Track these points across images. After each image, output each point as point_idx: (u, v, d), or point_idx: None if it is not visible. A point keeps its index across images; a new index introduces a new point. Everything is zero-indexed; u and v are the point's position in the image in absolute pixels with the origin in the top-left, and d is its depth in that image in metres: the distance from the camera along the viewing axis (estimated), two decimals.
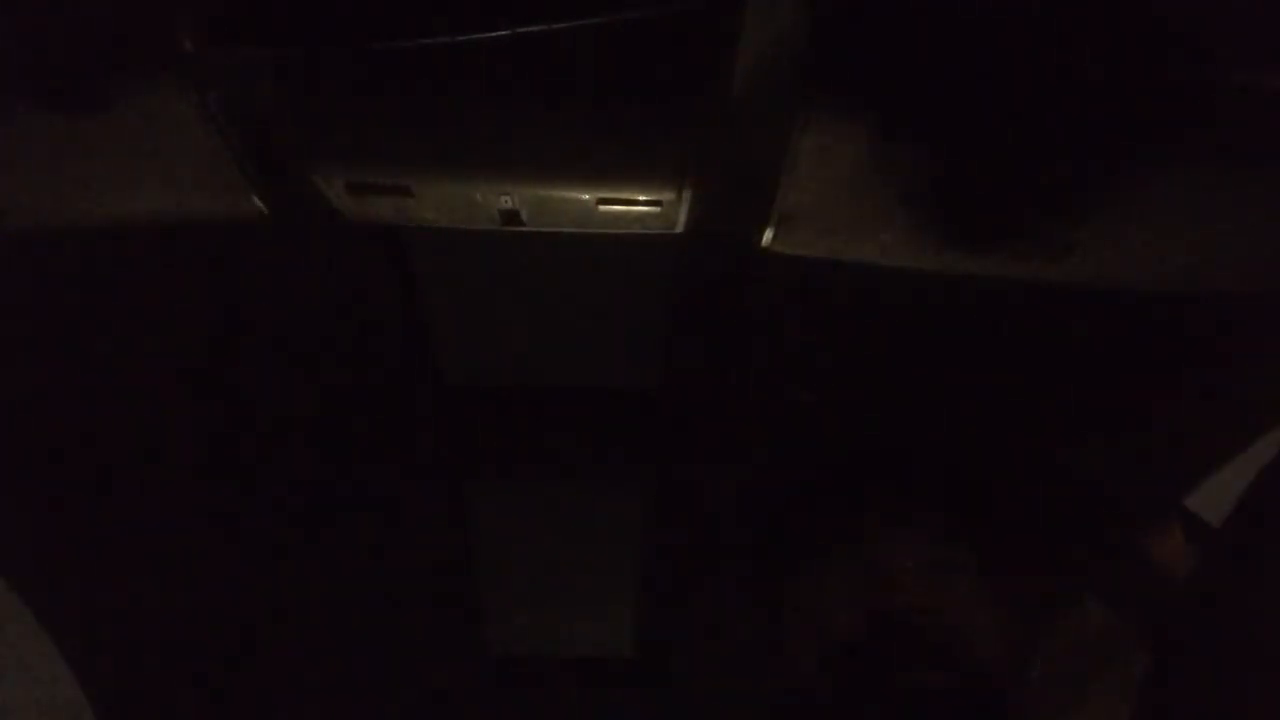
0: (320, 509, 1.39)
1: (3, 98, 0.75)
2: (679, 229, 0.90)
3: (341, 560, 1.47)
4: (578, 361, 1.25)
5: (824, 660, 1.14)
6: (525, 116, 0.77)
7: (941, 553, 1.19)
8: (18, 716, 1.60)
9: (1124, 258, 0.93)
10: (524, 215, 0.87)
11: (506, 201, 0.85)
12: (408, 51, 0.69)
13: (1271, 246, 0.90)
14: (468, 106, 0.76)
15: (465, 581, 1.50)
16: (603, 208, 0.85)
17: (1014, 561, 1.26)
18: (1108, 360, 1.20)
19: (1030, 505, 1.34)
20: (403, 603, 1.53)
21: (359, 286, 1.11)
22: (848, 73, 0.76)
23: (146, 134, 0.79)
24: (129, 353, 1.19)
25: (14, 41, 0.71)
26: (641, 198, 0.85)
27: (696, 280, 1.09)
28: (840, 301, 1.13)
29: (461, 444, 1.32)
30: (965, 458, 1.31)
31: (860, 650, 1.11)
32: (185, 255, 1.07)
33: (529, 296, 1.15)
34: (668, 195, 0.84)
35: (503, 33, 0.67)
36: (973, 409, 1.26)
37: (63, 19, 0.70)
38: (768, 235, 0.91)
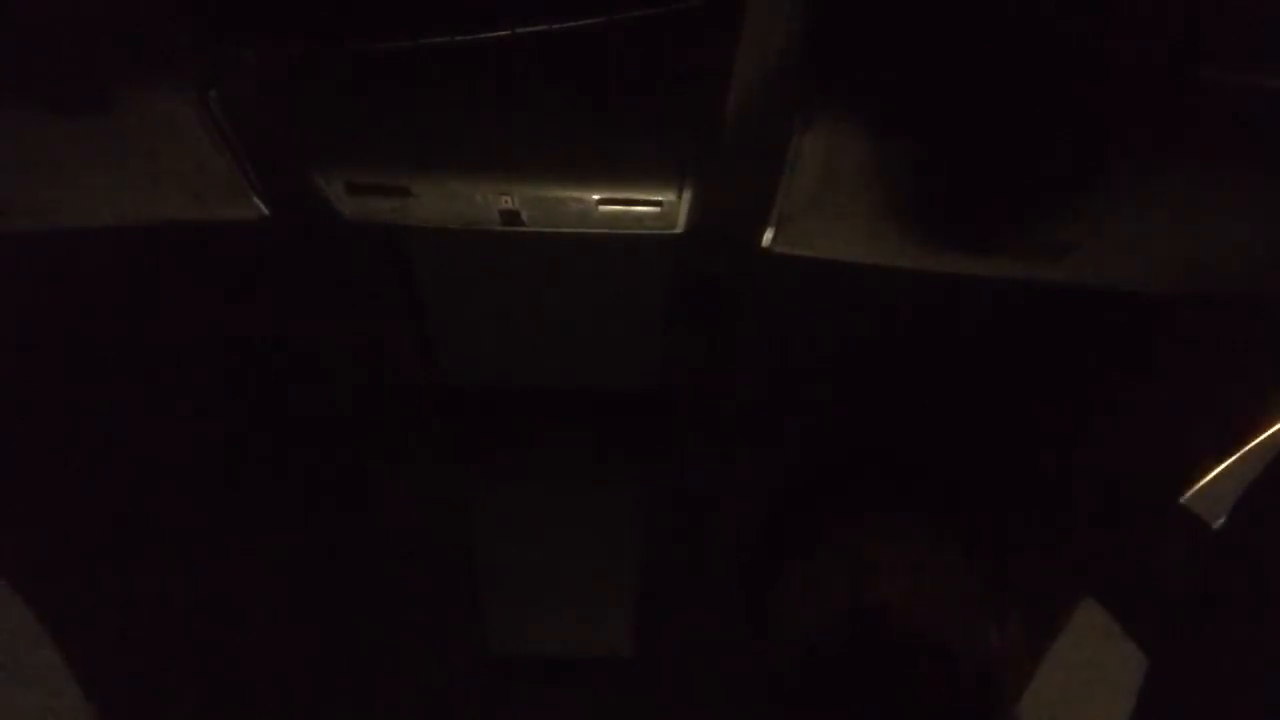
0: (319, 509, 1.39)
1: (2, 98, 0.75)
2: (679, 229, 0.90)
3: (341, 560, 1.47)
4: (578, 361, 1.25)
5: (807, 660, 1.13)
6: (525, 116, 0.77)
7: (938, 552, 1.19)
8: (18, 716, 1.60)
9: (1124, 258, 0.93)
10: (524, 215, 0.87)
11: (507, 201, 0.85)
12: (408, 51, 0.69)
13: (1271, 246, 0.90)
14: (468, 106, 0.76)
15: (465, 581, 1.50)
16: (603, 208, 0.85)
17: (1013, 562, 1.26)
18: (1107, 360, 1.20)
19: (1029, 505, 1.34)
20: (403, 602, 1.53)
21: (359, 286, 1.11)
22: (848, 73, 0.76)
23: (146, 134, 0.79)
24: (128, 353, 1.19)
25: (14, 41, 0.71)
26: (641, 198, 0.85)
27: (696, 280, 1.10)
28: (840, 301, 1.13)
29: (461, 444, 1.32)
30: (965, 457, 1.31)
31: (845, 650, 1.11)
32: (184, 255, 1.07)
33: (529, 296, 1.15)
34: (668, 195, 0.84)
35: (503, 33, 0.67)
36: (973, 408, 1.26)
37: (63, 19, 0.70)
38: (768, 235, 0.91)
